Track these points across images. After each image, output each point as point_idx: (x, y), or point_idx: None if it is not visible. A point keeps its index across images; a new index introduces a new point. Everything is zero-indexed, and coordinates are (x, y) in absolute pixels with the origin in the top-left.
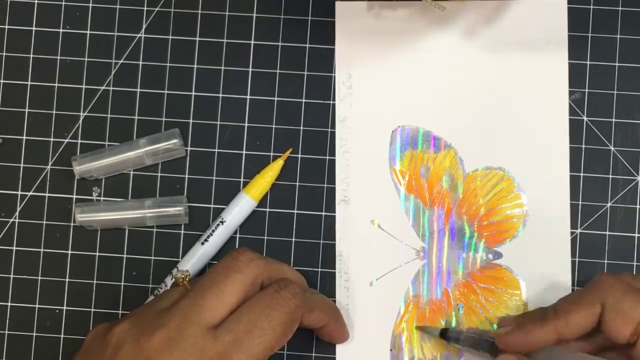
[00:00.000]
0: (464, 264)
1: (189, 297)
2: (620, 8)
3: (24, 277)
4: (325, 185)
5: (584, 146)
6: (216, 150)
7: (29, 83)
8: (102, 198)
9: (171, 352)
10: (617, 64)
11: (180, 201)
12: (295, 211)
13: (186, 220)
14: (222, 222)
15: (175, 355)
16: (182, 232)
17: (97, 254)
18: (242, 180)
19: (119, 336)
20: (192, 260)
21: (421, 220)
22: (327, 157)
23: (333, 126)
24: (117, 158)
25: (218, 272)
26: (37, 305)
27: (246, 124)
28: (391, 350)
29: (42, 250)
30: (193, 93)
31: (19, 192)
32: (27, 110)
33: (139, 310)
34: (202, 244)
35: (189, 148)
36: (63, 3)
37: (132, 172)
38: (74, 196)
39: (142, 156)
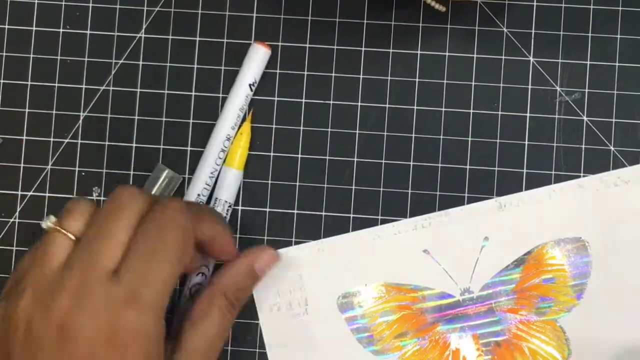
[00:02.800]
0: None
1: (80, 249)
2: (620, 8)
3: None
4: (326, 186)
5: (584, 146)
6: None
7: (29, 83)
8: (102, 198)
9: (82, 311)
10: (617, 64)
11: (161, 169)
12: (296, 211)
13: (180, 179)
14: (230, 206)
15: (87, 312)
16: None
17: None
18: (241, 180)
19: (25, 315)
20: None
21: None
22: (328, 158)
23: (333, 126)
24: None
25: (101, 215)
26: None
27: None
28: None
29: None
30: (193, 93)
31: (19, 192)
32: (27, 110)
33: (30, 277)
34: None
35: (189, 148)
36: (63, 3)
37: (132, 173)
38: (74, 196)
39: None
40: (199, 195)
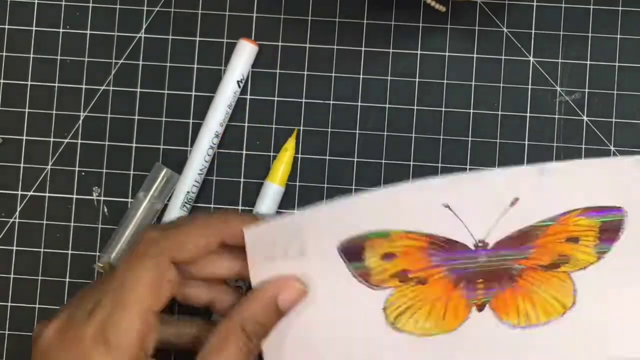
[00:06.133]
0: None
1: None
2: (620, 8)
3: (24, 277)
4: (326, 186)
5: (584, 146)
6: (216, 150)
7: (29, 83)
8: (102, 198)
9: (60, 345)
10: (617, 64)
11: (160, 168)
12: (296, 211)
13: (177, 178)
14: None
15: (64, 346)
16: None
17: (97, 253)
18: (242, 180)
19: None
20: None
21: None
22: (328, 158)
23: (333, 126)
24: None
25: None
26: (37, 305)
27: (246, 124)
28: None
29: (42, 250)
30: (193, 93)
31: (19, 192)
32: (27, 110)
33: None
34: None
35: (189, 148)
36: (63, 3)
37: (132, 173)
38: (74, 196)
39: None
40: (188, 192)
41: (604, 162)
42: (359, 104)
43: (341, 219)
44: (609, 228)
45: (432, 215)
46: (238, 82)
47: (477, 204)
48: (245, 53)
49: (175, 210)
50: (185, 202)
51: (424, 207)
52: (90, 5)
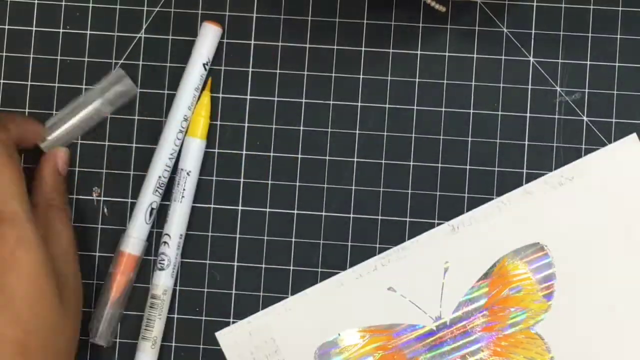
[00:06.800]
0: None
1: None
2: (620, 8)
3: None
4: (325, 186)
5: (583, 146)
6: (216, 150)
7: (29, 83)
8: (102, 198)
9: None
10: (617, 64)
11: (121, 76)
12: (296, 211)
13: (136, 93)
14: (188, 173)
15: None
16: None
17: (97, 254)
18: (242, 180)
19: None
20: (177, 221)
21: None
22: (327, 158)
23: (333, 126)
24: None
25: None
26: None
27: (246, 125)
28: None
29: None
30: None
31: None
32: (27, 110)
33: None
34: (180, 202)
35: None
36: (63, 3)
37: (132, 173)
38: (74, 196)
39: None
40: (159, 177)
41: (499, 204)
42: (359, 104)
43: (309, 330)
44: (538, 267)
45: (383, 303)
46: (204, 64)
47: (415, 278)
48: (210, 35)
49: (147, 196)
50: (158, 187)
51: (373, 295)
52: (90, 5)
